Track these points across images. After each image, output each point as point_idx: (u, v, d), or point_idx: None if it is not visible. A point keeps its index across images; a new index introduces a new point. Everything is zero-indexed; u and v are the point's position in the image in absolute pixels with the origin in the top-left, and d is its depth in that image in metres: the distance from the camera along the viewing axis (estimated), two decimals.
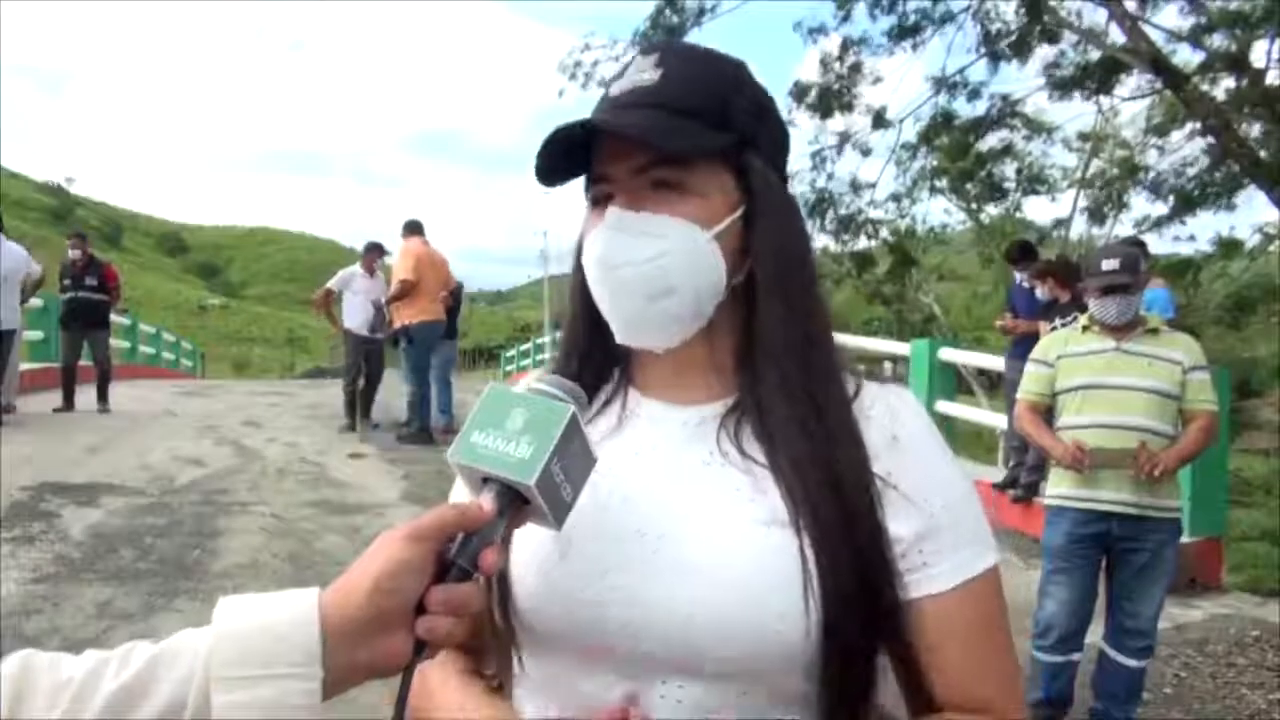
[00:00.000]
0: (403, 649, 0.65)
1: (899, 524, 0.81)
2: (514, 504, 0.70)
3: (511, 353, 26.03)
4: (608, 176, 0.85)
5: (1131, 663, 3.41)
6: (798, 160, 14.37)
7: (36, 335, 11.74)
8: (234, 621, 0.62)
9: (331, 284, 9.77)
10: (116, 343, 13.35)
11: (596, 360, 0.91)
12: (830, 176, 14.57)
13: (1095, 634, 3.56)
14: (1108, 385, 3.39)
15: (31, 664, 0.60)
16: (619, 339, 0.87)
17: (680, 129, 0.81)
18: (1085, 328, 3.53)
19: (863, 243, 16.17)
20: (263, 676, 0.60)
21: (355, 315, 9.69)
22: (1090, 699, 3.55)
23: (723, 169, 0.84)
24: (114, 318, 11.37)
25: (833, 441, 0.82)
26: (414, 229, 9.20)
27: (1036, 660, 3.48)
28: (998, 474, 7.22)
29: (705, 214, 0.83)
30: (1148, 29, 10.63)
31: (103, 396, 9.88)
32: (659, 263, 0.81)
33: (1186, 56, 11.81)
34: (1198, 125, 12.17)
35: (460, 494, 0.90)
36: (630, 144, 0.82)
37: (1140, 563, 3.36)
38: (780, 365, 0.84)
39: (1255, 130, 11.07)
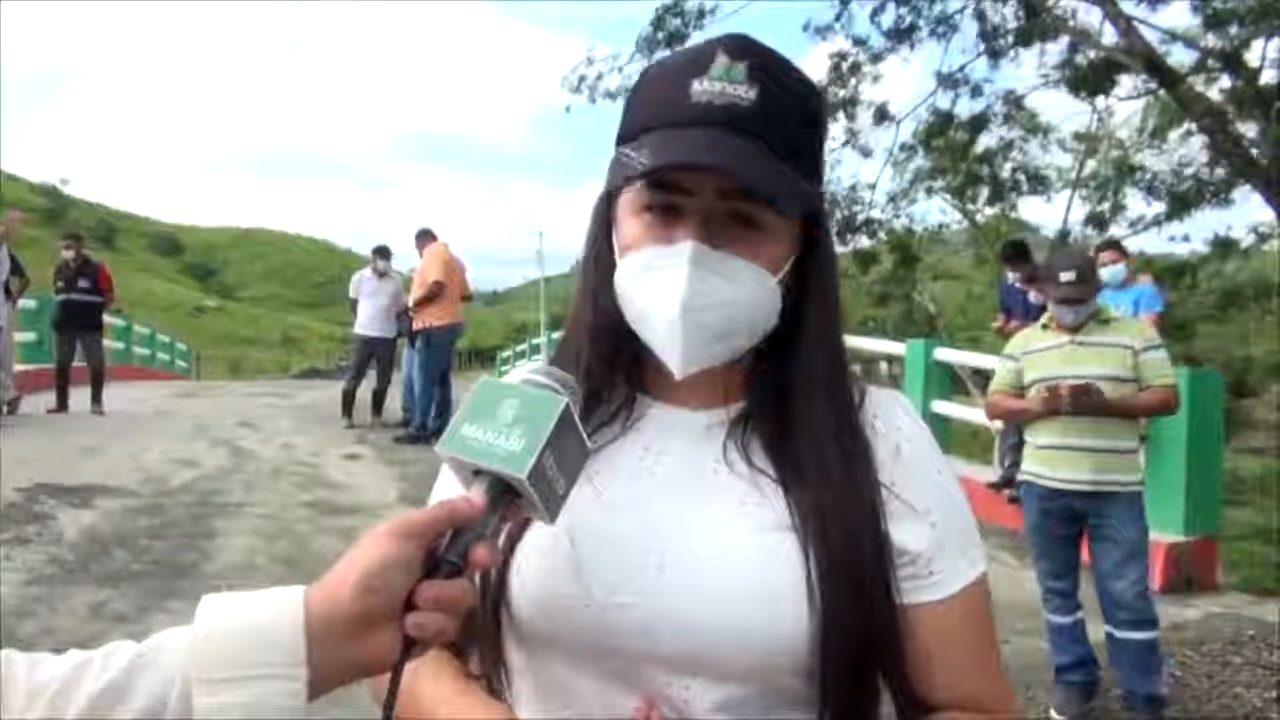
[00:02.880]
0: (391, 647, 0.64)
1: (902, 534, 0.82)
2: (506, 497, 0.69)
3: (507, 353, 26.00)
4: (682, 187, 0.79)
5: (1130, 635, 3.56)
6: None
7: (30, 337, 11.72)
8: (216, 621, 0.61)
9: (351, 293, 10.03)
10: (110, 344, 13.33)
11: (605, 361, 0.90)
12: (832, 181, 14.63)
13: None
14: (1065, 377, 3.61)
15: (11, 664, 0.59)
16: (677, 375, 0.83)
17: (784, 176, 0.78)
18: (1045, 325, 3.81)
19: (863, 243, 16.23)
20: (245, 677, 0.59)
21: (362, 317, 9.86)
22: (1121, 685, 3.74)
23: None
24: (108, 319, 11.35)
25: (845, 459, 0.83)
26: (431, 235, 9.44)
27: (1050, 624, 3.82)
28: (992, 473, 7.23)
29: (774, 259, 0.82)
30: (1143, 29, 10.64)
31: (97, 398, 9.86)
32: (731, 309, 0.80)
33: (1182, 57, 11.86)
34: (1193, 126, 12.22)
35: (445, 489, 0.90)
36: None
37: (1107, 537, 3.58)
38: (811, 393, 0.84)
39: (1251, 130, 11.09)
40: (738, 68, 0.79)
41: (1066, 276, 3.61)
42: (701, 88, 0.79)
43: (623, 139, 0.83)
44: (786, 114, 0.80)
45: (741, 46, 0.80)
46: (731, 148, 0.76)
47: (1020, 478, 3.92)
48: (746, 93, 0.78)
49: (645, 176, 0.78)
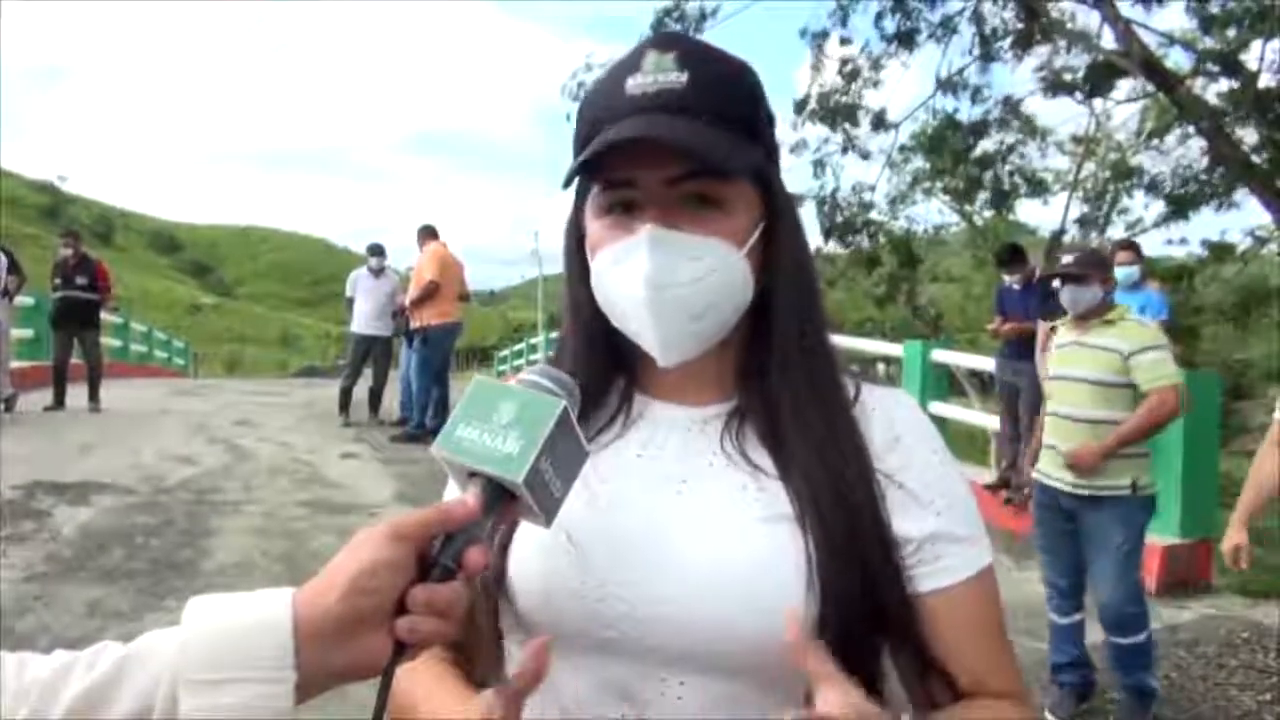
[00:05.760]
0: (381, 651, 0.63)
1: (904, 521, 0.82)
2: (501, 500, 0.68)
3: (505, 352, 25.97)
4: (633, 183, 0.82)
5: (1116, 639, 3.59)
6: (798, 166, 14.48)
7: (27, 333, 11.70)
8: (204, 622, 0.61)
9: (347, 291, 10.04)
10: (108, 341, 13.31)
11: (602, 362, 0.90)
12: (836, 189, 14.68)
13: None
14: (1066, 377, 3.64)
15: None
16: (660, 360, 0.84)
17: (722, 142, 0.79)
18: (1067, 323, 3.78)
19: (864, 245, 16.24)
20: (233, 680, 0.59)
21: (359, 315, 9.87)
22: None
23: (749, 183, 0.83)
24: (105, 316, 11.34)
25: (837, 444, 0.82)
26: (432, 233, 9.41)
27: (1050, 623, 3.83)
28: (990, 475, 7.23)
29: (736, 231, 0.82)
30: (1141, 32, 10.65)
31: (94, 395, 9.85)
32: (701, 284, 0.81)
33: (1180, 60, 11.88)
34: (1190, 129, 12.24)
35: (451, 496, 0.90)
36: (664, 152, 0.79)
37: (1094, 540, 3.58)
38: (789, 374, 0.85)
39: (1249, 134, 11.09)
40: (667, 58, 0.81)
41: (1066, 259, 3.67)
42: (635, 82, 0.82)
43: (576, 151, 0.85)
44: (720, 90, 0.82)
45: (668, 39, 0.84)
46: (667, 125, 0.78)
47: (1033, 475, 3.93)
48: (678, 78, 0.80)
49: (584, 167, 0.81)
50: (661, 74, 0.81)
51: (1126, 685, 3.64)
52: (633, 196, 0.82)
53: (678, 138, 0.78)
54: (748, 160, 0.81)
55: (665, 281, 0.80)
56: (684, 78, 0.80)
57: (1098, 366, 3.54)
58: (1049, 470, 3.68)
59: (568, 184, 0.84)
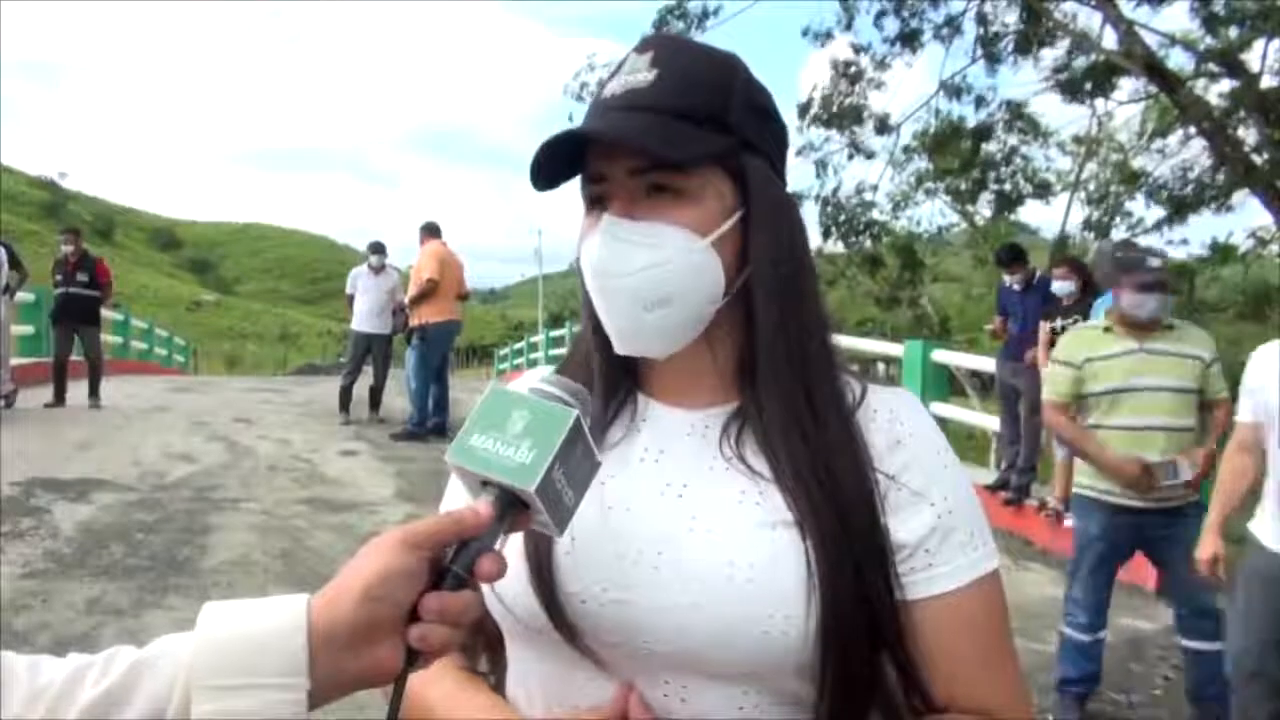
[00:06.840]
0: (394, 658, 0.63)
1: (906, 523, 0.81)
2: (514, 509, 0.68)
3: (505, 351, 26.00)
4: (604, 177, 0.83)
5: (1208, 646, 3.40)
6: (803, 168, 14.50)
7: (28, 330, 11.71)
8: (217, 628, 0.61)
9: (348, 289, 10.06)
10: (108, 338, 13.32)
11: (607, 364, 0.90)
12: (837, 188, 14.70)
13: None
14: (1137, 388, 3.43)
15: (10, 666, 0.59)
16: (616, 348, 0.86)
17: (675, 134, 0.79)
18: (1107, 329, 3.55)
19: (867, 245, 16.25)
20: (246, 686, 0.59)
21: (359, 313, 9.89)
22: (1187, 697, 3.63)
23: (720, 173, 0.83)
24: (106, 313, 11.35)
25: (832, 446, 0.82)
26: (434, 230, 9.40)
27: (1066, 638, 3.65)
28: (989, 476, 7.24)
29: (701, 220, 0.82)
30: (1143, 32, 10.65)
31: (94, 392, 9.86)
32: (653, 272, 0.80)
33: (1181, 61, 11.89)
34: (1193, 130, 12.25)
35: (454, 496, 0.90)
36: (625, 147, 0.80)
37: (1174, 546, 3.39)
38: (778, 372, 0.83)
39: (1251, 135, 11.09)
40: (642, 59, 0.84)
41: (1154, 263, 3.45)
42: (611, 85, 0.85)
43: None
44: (683, 85, 0.82)
45: (648, 41, 0.86)
46: (620, 121, 0.81)
47: (1081, 491, 3.66)
48: (645, 77, 0.83)
49: (536, 163, 0.82)
50: (632, 75, 0.83)
51: (1201, 698, 3.46)
52: (603, 190, 0.84)
53: (618, 131, 0.80)
54: (701, 150, 0.81)
55: (612, 270, 0.82)
56: (651, 76, 0.82)
57: (1181, 375, 3.42)
58: (1119, 486, 3.46)
59: (542, 187, 0.85)
